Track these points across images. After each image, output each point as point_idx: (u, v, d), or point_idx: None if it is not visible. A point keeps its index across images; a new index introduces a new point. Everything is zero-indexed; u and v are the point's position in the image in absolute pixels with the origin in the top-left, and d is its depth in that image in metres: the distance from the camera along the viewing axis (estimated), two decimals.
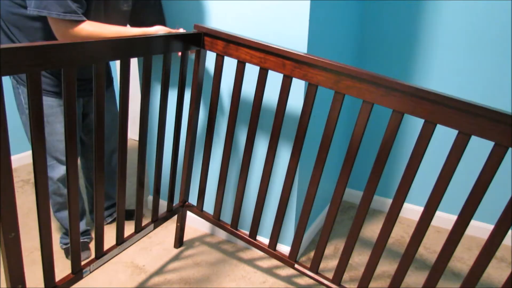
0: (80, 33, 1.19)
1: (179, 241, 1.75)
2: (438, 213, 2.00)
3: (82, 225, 1.71)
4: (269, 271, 1.64)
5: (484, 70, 1.71)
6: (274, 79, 1.45)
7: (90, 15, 1.27)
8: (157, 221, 1.53)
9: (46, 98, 1.39)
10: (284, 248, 1.70)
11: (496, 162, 0.93)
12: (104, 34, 1.22)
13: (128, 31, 1.28)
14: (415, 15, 1.76)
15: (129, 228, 1.68)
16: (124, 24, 1.46)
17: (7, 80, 2.18)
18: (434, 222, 2.04)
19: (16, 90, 1.41)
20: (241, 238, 1.50)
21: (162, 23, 1.53)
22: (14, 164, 2.49)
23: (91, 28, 1.20)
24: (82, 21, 1.19)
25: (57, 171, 1.49)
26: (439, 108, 0.97)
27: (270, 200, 1.65)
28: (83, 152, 1.71)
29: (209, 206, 1.82)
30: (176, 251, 1.75)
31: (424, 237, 1.08)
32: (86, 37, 1.20)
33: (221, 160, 1.66)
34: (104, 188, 1.80)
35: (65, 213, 1.59)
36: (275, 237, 1.41)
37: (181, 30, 1.36)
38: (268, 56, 1.21)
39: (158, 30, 1.31)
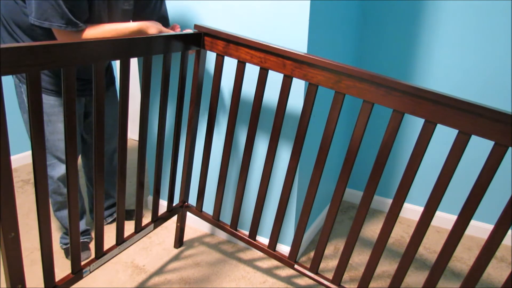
0: (82, 38, 1.22)
1: (179, 241, 1.75)
2: (438, 213, 2.01)
3: (82, 225, 1.71)
4: (269, 271, 1.64)
5: (484, 69, 1.71)
6: (274, 79, 1.45)
7: (94, 16, 1.28)
8: (157, 221, 1.53)
9: (47, 97, 1.39)
10: (284, 248, 1.70)
11: (496, 162, 0.93)
12: (104, 35, 1.24)
13: (124, 26, 1.28)
14: (415, 14, 1.76)
15: (129, 228, 1.68)
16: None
17: (8, 80, 2.18)
18: (434, 222, 2.04)
19: (19, 89, 1.42)
20: (241, 238, 1.50)
21: (165, 23, 1.53)
22: (14, 164, 2.49)
23: (91, 34, 1.23)
24: (83, 30, 1.22)
25: (58, 170, 1.49)
26: (439, 108, 0.97)
27: (270, 200, 1.65)
28: (84, 151, 1.71)
29: (209, 206, 1.82)
30: (176, 251, 1.75)
31: (424, 237, 1.08)
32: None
33: (221, 160, 1.66)
34: (105, 188, 1.82)
35: (65, 213, 1.59)
36: (275, 238, 1.41)
37: (188, 31, 1.36)
38: (268, 56, 1.21)
39: (150, 25, 1.30)
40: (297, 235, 1.34)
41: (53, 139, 1.44)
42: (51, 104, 1.40)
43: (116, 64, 2.68)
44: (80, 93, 1.47)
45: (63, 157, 1.48)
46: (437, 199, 1.04)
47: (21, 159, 2.53)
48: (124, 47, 1.10)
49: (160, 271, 1.62)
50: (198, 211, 1.62)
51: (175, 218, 1.93)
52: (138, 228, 1.45)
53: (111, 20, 1.35)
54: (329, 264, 1.70)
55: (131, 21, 1.50)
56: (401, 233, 1.96)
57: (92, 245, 1.72)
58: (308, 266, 1.36)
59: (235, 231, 1.51)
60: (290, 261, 1.39)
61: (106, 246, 1.54)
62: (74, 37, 1.21)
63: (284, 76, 1.21)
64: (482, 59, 1.70)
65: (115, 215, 1.91)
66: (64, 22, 1.15)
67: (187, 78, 1.63)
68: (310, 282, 1.58)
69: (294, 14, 1.32)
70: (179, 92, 1.42)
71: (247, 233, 1.51)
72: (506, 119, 0.89)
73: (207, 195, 1.81)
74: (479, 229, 1.94)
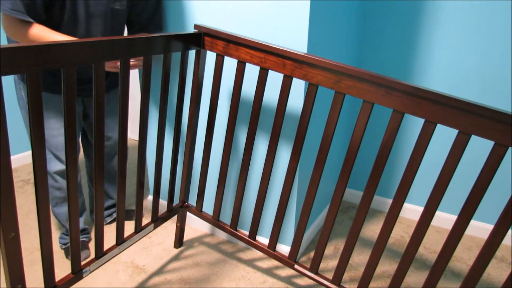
0: (27, 34, 1.21)
1: (179, 241, 1.75)
2: (438, 213, 2.01)
3: (81, 224, 1.70)
4: (269, 271, 1.64)
5: (484, 69, 1.71)
6: (274, 79, 1.45)
7: (67, 15, 1.27)
8: (157, 221, 1.53)
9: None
10: (284, 248, 1.70)
11: (496, 162, 0.93)
12: (48, 39, 1.22)
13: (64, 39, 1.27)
14: (415, 15, 1.76)
15: (129, 228, 1.68)
16: (119, 24, 1.45)
17: (8, 79, 2.18)
18: (434, 222, 2.04)
19: (18, 86, 1.43)
20: (241, 238, 1.50)
21: (160, 24, 1.54)
22: (14, 164, 2.49)
23: (36, 31, 1.22)
24: (29, 22, 1.21)
25: (53, 164, 1.49)
26: (439, 108, 0.97)
27: (270, 200, 1.65)
28: (87, 152, 1.71)
29: (209, 206, 1.82)
30: (176, 251, 1.75)
31: (424, 237, 1.08)
32: (32, 39, 1.22)
33: (221, 160, 1.66)
34: (106, 188, 1.82)
35: (62, 209, 1.58)
36: (274, 238, 1.41)
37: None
38: (268, 56, 1.21)
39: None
40: (297, 235, 1.34)
41: (47, 135, 1.45)
42: (44, 101, 1.40)
43: None
44: (78, 92, 1.47)
45: (57, 152, 1.48)
46: (437, 199, 1.04)
47: (21, 159, 2.53)
48: (124, 47, 1.10)
49: (160, 271, 1.62)
50: (198, 211, 1.62)
51: (175, 218, 1.93)
52: (138, 228, 1.45)
53: (93, 20, 1.33)
54: (329, 264, 1.70)
55: (125, 24, 1.49)
56: (401, 233, 1.96)
57: (91, 245, 1.72)
58: (308, 266, 1.36)
59: (235, 231, 1.51)
60: (290, 261, 1.39)
61: (106, 246, 1.54)
62: (18, 28, 1.21)
63: (284, 76, 1.21)
64: (482, 59, 1.70)
65: (114, 215, 1.91)
66: (10, 7, 1.16)
67: (187, 78, 1.63)
68: (310, 282, 1.58)
69: (294, 14, 1.32)
70: (179, 92, 1.42)
71: (247, 233, 1.51)
72: (506, 119, 0.89)
73: (207, 195, 1.81)
74: (479, 229, 1.94)
